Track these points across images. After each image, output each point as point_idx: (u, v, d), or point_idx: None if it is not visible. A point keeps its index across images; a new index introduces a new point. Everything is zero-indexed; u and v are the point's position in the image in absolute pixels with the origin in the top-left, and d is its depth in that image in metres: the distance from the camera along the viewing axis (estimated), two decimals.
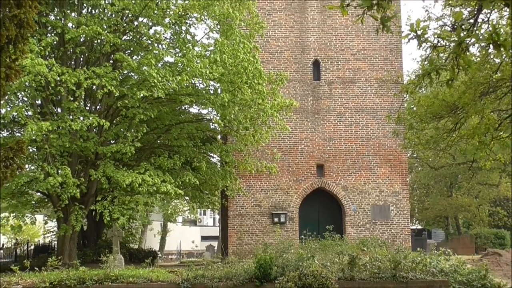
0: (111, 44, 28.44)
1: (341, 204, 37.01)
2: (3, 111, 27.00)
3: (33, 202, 34.34)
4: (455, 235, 64.67)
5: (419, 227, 68.96)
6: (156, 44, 30.97)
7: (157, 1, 28.48)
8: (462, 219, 67.46)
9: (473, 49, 17.73)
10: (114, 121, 30.81)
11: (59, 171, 27.34)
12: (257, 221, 36.29)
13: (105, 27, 28.53)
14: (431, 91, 23.49)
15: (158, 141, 33.29)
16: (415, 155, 53.96)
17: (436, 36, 9.64)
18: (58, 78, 26.43)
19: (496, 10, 13.99)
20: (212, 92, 31.22)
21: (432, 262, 24.04)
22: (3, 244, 47.05)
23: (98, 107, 30.93)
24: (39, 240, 54.01)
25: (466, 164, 46.32)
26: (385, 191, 37.10)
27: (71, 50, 30.21)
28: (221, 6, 29.13)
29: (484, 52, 15.82)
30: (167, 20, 30.04)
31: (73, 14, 30.50)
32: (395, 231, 36.71)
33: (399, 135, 29.52)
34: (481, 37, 9.54)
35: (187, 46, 29.92)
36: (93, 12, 30.85)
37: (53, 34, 29.26)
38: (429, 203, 64.68)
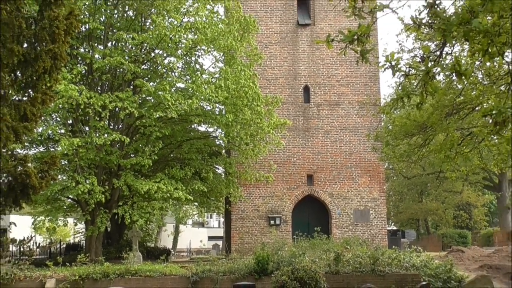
0: (132, 72, 28.58)
1: (327, 208, 36.96)
2: (40, 129, 27.03)
3: (65, 207, 34.27)
4: (425, 235, 64.66)
5: (395, 228, 68.83)
6: (170, 72, 31.14)
7: (171, 35, 28.51)
8: (431, 221, 67.42)
9: (439, 77, 17.77)
10: (134, 138, 30.84)
11: (87, 180, 27.39)
12: (256, 223, 36.23)
13: (126, 58, 28.65)
14: (404, 113, 23.51)
15: (172, 155, 33.27)
16: (391, 167, 53.82)
17: (407, 66, 9.67)
18: (87, 101, 26.54)
19: (458, 44, 14.07)
20: (217, 113, 31.27)
21: (405, 258, 24.08)
22: (39, 243, 46.85)
23: (120, 126, 30.94)
24: (69, 240, 53.78)
25: (434, 174, 46.33)
26: (365, 197, 37.07)
27: (98, 78, 30.29)
28: (226, 40, 29.21)
29: (448, 80, 15.93)
30: (179, 52, 30.14)
31: (99, 47, 30.62)
32: (374, 232, 36.66)
33: (377, 150, 29.51)
34: (445, 67, 9.58)
35: (196, 74, 30.11)
36: (117, 45, 30.95)
37: (82, 64, 29.41)
38: (402, 207, 64.68)
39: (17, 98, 11.64)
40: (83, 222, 34.22)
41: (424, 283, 21.51)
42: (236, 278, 22.30)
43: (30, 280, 21.95)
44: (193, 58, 31.92)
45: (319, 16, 38.21)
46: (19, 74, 11.19)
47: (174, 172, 29.86)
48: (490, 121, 10.71)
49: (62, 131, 28.97)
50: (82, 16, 27.64)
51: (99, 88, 30.89)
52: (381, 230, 37.11)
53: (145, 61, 30.93)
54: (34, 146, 31.81)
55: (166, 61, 31.37)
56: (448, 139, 19.38)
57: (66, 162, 29.66)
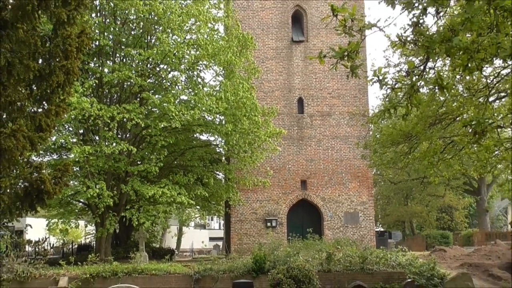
0: (139, 85, 28.66)
1: (320, 211, 36.97)
2: (53, 138, 27.03)
3: (76, 211, 34.31)
4: (410, 236, 64.60)
5: (382, 229, 68.57)
6: (174, 85, 31.21)
7: (175, 51, 28.60)
8: (416, 223, 67.39)
9: (423, 90, 17.80)
10: (140, 147, 30.81)
11: (97, 186, 27.37)
12: (253, 225, 36.23)
13: (134, 72, 28.69)
14: (390, 123, 23.55)
15: (175, 162, 33.23)
16: (378, 173, 53.75)
17: (394, 79, 9.69)
18: (97, 113, 26.58)
19: (440, 59, 14.10)
20: (218, 123, 31.31)
21: (392, 257, 24.11)
22: (53, 244, 46.80)
23: (127, 135, 30.95)
24: (81, 241, 53.70)
25: (419, 180, 46.16)
26: (355, 201, 37.09)
27: (107, 90, 30.41)
28: (225, 55, 29.32)
29: (431, 92, 15.98)
30: (182, 66, 30.24)
31: (109, 62, 30.69)
32: (363, 233, 36.66)
33: (366, 157, 29.52)
34: (429, 81, 9.60)
35: (198, 87, 30.25)
36: (125, 60, 30.99)
37: (93, 78, 29.40)
38: (389, 210, 64.61)
39: (32, 110, 11.67)
40: (93, 224, 34.19)
41: (409, 280, 21.56)
42: (235, 276, 22.38)
43: (44, 278, 22.09)
44: (195, 72, 31.99)
45: (312, 33, 38.32)
46: (35, 88, 11.21)
47: (177, 178, 29.87)
48: (470, 130, 10.73)
49: (74, 140, 28.97)
50: (92, 34, 27.74)
51: (108, 100, 30.93)
52: (370, 231, 37.13)
53: (151, 75, 30.99)
54: (48, 153, 31.82)
55: (170, 75, 31.54)
56: (431, 147, 19.40)
57: (77, 168, 29.67)
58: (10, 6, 10.81)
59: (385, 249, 26.18)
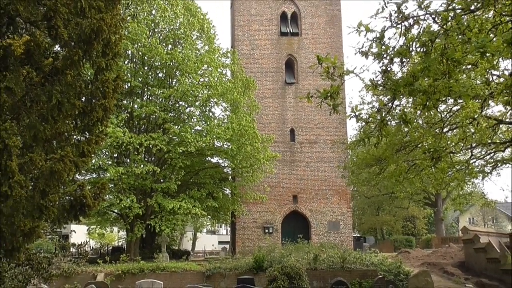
0: (162, 118, 28.85)
1: (308, 220, 36.87)
2: (93, 161, 27.09)
3: (111, 219, 34.22)
4: (381, 240, 64.25)
5: (358, 235, 68.33)
6: (190, 118, 31.39)
7: (191, 91, 28.85)
8: (385, 229, 67.03)
9: (391, 123, 17.89)
10: (163, 167, 30.84)
11: (128, 199, 27.43)
12: (254, 232, 36.12)
13: (158, 107, 28.88)
14: (365, 149, 23.56)
15: (191, 180, 33.21)
16: (355, 189, 53.39)
17: (367, 115, 9.73)
18: (128, 140, 26.75)
19: (404, 99, 14.18)
20: (225, 148, 31.39)
21: (366, 257, 24.09)
22: (92, 246, 46.62)
23: (152, 158, 31.01)
24: (115, 243, 53.41)
25: (387, 195, 46.01)
26: (336, 212, 37.02)
27: (137, 122, 30.51)
28: (232, 94, 29.58)
29: (397, 125, 16.02)
30: (197, 103, 30.54)
31: (138, 99, 30.79)
32: (343, 238, 36.53)
33: (345, 177, 29.46)
34: (395, 116, 9.67)
35: (210, 119, 30.37)
36: (151, 98, 31.15)
37: (125, 112, 29.54)
38: (364, 219, 64.41)
39: (77, 139, 11.75)
40: (124, 230, 34.00)
41: (380, 276, 21.51)
42: (239, 273, 22.43)
43: (85, 274, 22.30)
44: (207, 108, 32.17)
45: (302, 77, 38.52)
46: (79, 122, 11.30)
47: (193, 193, 29.91)
48: (429, 155, 10.79)
49: (110, 162, 29.08)
50: (125, 77, 28.03)
51: (137, 130, 31.03)
52: (348, 237, 37.03)
53: (172, 110, 31.22)
54: (89, 173, 31.80)
55: (187, 110, 31.74)
56: (397, 168, 19.38)
57: (112, 185, 29.64)
58: (61, 57, 10.95)
59: (360, 251, 26.09)
